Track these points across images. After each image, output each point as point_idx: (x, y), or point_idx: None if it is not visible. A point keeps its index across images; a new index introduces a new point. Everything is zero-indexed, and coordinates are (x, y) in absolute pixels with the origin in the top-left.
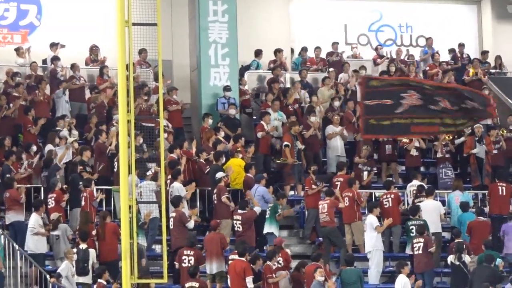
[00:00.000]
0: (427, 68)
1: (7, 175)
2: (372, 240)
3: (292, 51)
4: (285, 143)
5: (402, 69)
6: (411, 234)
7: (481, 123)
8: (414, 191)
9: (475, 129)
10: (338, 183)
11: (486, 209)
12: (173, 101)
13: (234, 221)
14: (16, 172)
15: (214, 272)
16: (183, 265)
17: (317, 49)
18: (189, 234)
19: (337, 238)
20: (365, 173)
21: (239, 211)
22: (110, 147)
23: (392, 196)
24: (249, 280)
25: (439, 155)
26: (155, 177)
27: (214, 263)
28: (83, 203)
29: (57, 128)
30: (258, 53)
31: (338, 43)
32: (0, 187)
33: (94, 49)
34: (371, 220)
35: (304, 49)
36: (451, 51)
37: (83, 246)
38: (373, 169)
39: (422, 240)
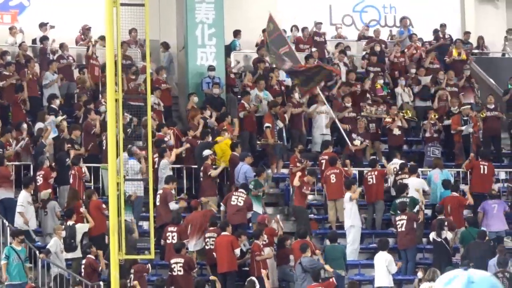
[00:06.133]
0: (406, 50)
1: None
2: (349, 217)
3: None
4: (266, 124)
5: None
6: (399, 212)
7: (466, 101)
8: (396, 169)
9: (462, 110)
10: (324, 161)
11: (467, 187)
12: (162, 81)
13: (235, 196)
14: (4, 150)
15: (192, 249)
16: (168, 241)
17: (305, 29)
18: (174, 211)
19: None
20: (358, 141)
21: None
22: (95, 129)
23: (376, 173)
24: (237, 252)
25: (427, 134)
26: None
27: (194, 240)
28: (71, 180)
29: (52, 106)
30: (236, 33)
31: (321, 23)
32: None
33: (86, 29)
34: (347, 196)
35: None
36: (435, 31)
37: (70, 222)
38: (366, 141)
39: (404, 217)
